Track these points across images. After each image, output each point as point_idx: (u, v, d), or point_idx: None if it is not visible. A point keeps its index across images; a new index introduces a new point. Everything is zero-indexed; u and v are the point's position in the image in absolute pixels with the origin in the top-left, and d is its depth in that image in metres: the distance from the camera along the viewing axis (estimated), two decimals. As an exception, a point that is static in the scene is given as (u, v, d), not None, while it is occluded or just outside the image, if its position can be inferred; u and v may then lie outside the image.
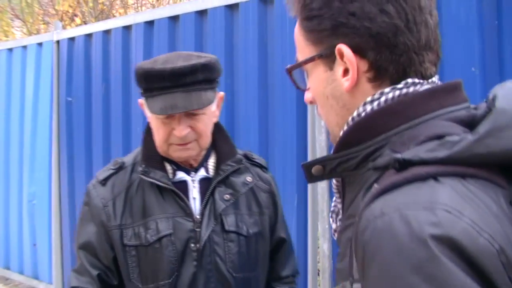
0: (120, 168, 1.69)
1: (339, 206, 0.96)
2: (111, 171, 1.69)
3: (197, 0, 3.36)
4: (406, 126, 0.82)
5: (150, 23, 3.69)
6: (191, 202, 1.64)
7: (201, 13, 3.35)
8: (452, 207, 0.67)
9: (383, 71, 0.85)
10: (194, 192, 1.65)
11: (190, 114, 1.55)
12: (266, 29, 3.00)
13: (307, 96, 0.97)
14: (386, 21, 0.83)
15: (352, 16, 0.84)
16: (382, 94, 0.85)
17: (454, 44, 2.32)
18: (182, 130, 1.56)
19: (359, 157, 0.85)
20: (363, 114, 0.86)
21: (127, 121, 3.84)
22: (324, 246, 2.72)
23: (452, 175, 0.71)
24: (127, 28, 3.87)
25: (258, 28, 3.01)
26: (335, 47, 0.86)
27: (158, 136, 1.60)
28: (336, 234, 0.97)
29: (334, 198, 0.99)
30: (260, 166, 1.79)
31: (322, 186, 2.68)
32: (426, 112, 0.82)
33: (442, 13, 2.34)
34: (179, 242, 1.60)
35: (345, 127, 0.87)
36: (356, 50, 0.84)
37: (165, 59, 1.55)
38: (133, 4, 8.75)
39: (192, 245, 1.60)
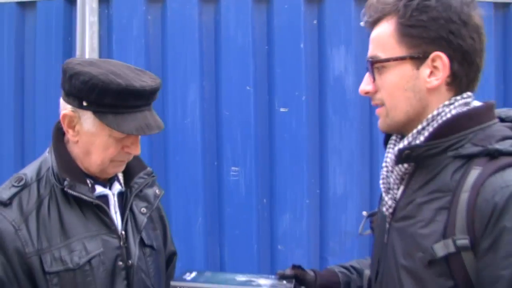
0: (26, 184, 1.44)
1: (396, 186, 1.22)
2: (16, 189, 1.43)
3: None
4: (478, 128, 1.13)
5: None
6: (114, 217, 1.52)
7: None
8: None
9: (458, 80, 1.15)
10: (115, 207, 1.54)
11: None
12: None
13: (369, 88, 1.21)
14: (472, 44, 1.13)
15: (451, 34, 1.12)
16: (456, 100, 1.15)
17: (232, 65, 2.58)
18: (139, 148, 1.49)
19: (442, 147, 1.13)
20: (443, 114, 1.14)
21: None
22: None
23: None
24: None
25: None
26: (430, 53, 1.13)
27: (105, 154, 1.45)
28: (390, 209, 1.22)
29: (385, 181, 1.24)
30: None
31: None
32: (488, 120, 1.15)
33: (221, 37, 2.57)
34: (108, 261, 1.45)
35: (429, 125, 1.15)
36: (447, 59, 1.12)
37: (122, 73, 1.41)
38: None
39: (120, 263, 1.47)
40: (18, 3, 2.71)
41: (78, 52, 2.57)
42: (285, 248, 2.60)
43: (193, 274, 1.48)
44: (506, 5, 2.80)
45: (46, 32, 2.66)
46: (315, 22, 2.63)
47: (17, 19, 2.72)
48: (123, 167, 1.54)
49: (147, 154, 2.56)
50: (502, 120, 1.20)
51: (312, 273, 1.50)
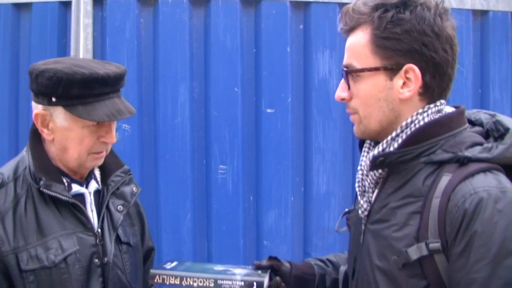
0: (3, 183, 1.47)
1: (371, 190, 1.26)
2: None
3: None
4: (449, 134, 1.16)
5: None
6: (90, 215, 1.55)
7: None
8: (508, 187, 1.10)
9: (430, 91, 1.18)
10: (92, 205, 1.57)
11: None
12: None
13: (344, 94, 1.24)
14: (445, 55, 1.16)
15: (424, 46, 1.14)
16: (428, 108, 1.18)
17: (220, 67, 2.67)
18: (114, 136, 1.51)
19: (414, 153, 1.16)
20: (416, 122, 1.17)
21: None
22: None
23: (494, 169, 1.12)
24: None
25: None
26: (403, 65, 1.15)
27: (81, 146, 1.48)
28: (365, 212, 1.26)
29: (360, 184, 1.29)
30: None
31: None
32: (459, 126, 1.18)
33: (211, 40, 2.67)
34: (84, 258, 1.49)
35: (403, 132, 1.18)
36: (419, 71, 1.15)
37: (86, 64, 1.44)
38: None
39: (96, 260, 1.51)
40: (13, 4, 2.77)
41: (72, 53, 2.65)
42: (270, 243, 2.69)
43: (174, 263, 1.54)
44: (484, 12, 2.93)
45: (41, 33, 2.73)
46: (301, 27, 2.74)
47: (12, 20, 2.78)
48: (101, 161, 1.56)
49: (138, 152, 2.63)
50: (471, 122, 1.24)
51: (287, 265, 1.55)
